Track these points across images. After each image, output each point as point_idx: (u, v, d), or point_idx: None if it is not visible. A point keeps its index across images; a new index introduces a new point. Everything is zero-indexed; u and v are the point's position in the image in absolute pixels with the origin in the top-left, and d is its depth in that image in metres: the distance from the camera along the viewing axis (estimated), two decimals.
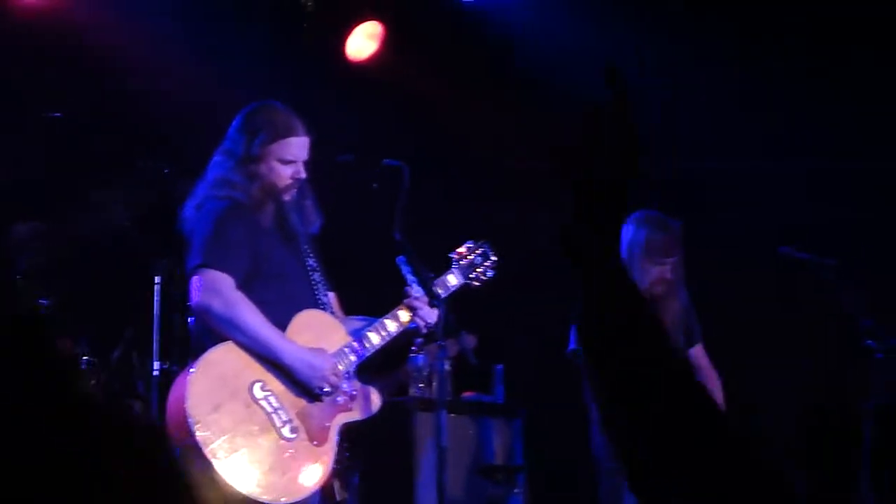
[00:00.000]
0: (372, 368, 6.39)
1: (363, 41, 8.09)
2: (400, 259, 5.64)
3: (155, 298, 6.90)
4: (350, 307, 5.69)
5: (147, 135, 7.41)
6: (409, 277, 5.63)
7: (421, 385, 7.40)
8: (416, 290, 5.60)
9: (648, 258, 6.37)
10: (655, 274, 6.39)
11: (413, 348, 7.41)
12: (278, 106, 5.50)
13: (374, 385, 5.70)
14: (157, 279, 6.91)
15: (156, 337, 6.85)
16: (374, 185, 5.84)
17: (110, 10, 7.48)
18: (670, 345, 1.92)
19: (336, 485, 6.57)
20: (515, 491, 7.36)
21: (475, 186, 8.57)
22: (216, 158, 5.46)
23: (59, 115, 6.94)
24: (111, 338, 7.19)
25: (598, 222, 1.93)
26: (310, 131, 5.47)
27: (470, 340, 6.23)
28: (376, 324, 5.52)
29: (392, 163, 5.81)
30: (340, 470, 6.09)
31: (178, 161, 6.59)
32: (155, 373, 6.81)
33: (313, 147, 5.50)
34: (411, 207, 5.68)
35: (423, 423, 7.01)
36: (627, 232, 6.46)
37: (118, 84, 7.50)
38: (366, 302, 5.68)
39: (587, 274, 1.91)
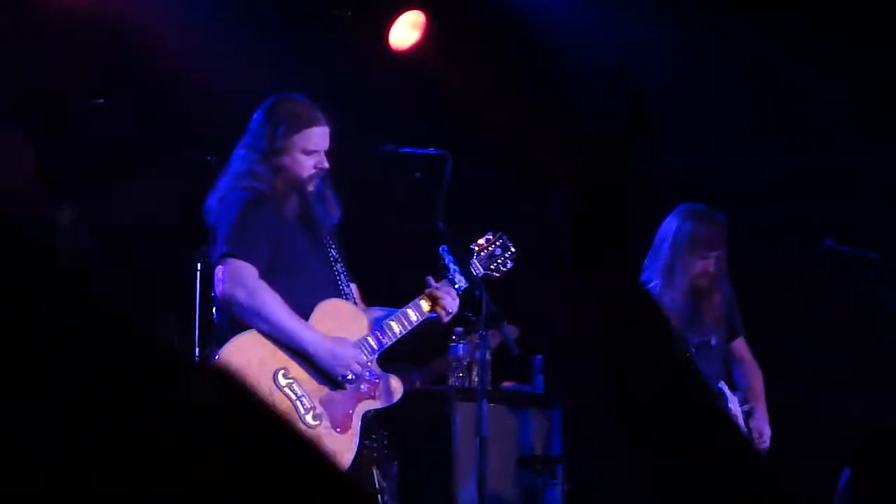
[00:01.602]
0: (412, 358, 6.41)
1: (406, 30, 8.09)
2: (443, 248, 5.66)
3: (196, 285, 6.92)
4: (391, 295, 5.71)
5: (192, 123, 7.44)
6: (452, 267, 5.66)
7: (460, 375, 7.40)
8: (459, 280, 5.64)
9: (692, 251, 6.36)
10: (699, 267, 6.37)
11: (453, 337, 7.44)
12: (298, 97, 5.55)
13: (412, 374, 5.72)
14: (198, 266, 6.93)
15: (197, 324, 6.87)
16: (417, 174, 5.86)
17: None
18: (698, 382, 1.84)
19: (375, 473, 6.59)
20: (554, 482, 7.35)
21: (514, 178, 8.56)
22: (239, 152, 5.52)
23: (103, 101, 6.97)
24: (152, 324, 7.21)
25: (603, 244, 1.84)
26: (330, 121, 5.50)
27: (512, 331, 6.23)
28: (398, 313, 5.56)
29: (436, 152, 5.83)
30: (379, 459, 6.11)
31: (222, 150, 6.62)
32: (195, 359, 6.83)
33: (356, 137, 5.52)
34: (452, 197, 5.70)
35: (463, 413, 7.00)
36: (672, 224, 6.45)
37: (165, 72, 7.52)
38: (406, 292, 5.70)
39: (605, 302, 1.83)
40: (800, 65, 8.09)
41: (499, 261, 5.93)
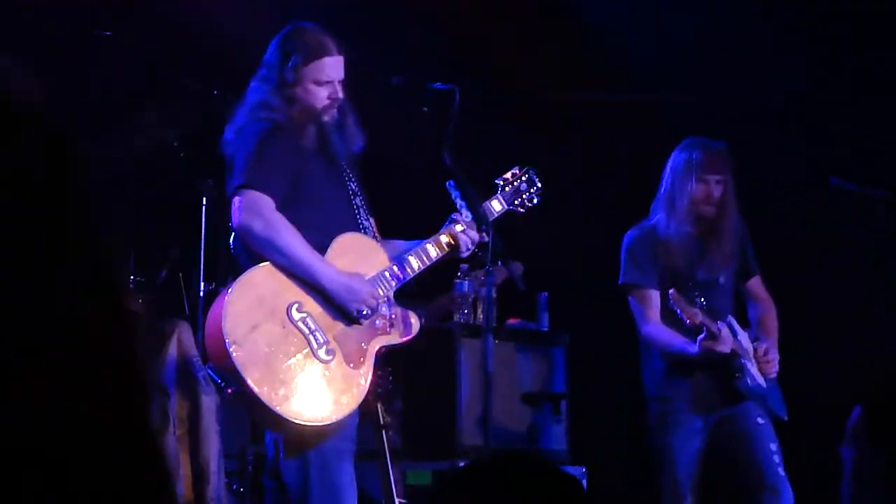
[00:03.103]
0: (417, 294, 6.39)
1: None
2: (449, 183, 5.61)
3: (202, 218, 6.91)
4: (398, 231, 5.68)
5: (197, 56, 7.40)
6: (459, 202, 5.60)
7: (465, 311, 7.40)
8: (465, 215, 5.58)
9: (688, 175, 6.25)
10: (700, 191, 6.26)
11: (458, 274, 7.43)
12: (309, 27, 5.45)
13: (418, 311, 5.69)
14: (204, 199, 6.92)
15: (202, 257, 6.87)
16: (425, 108, 5.81)
17: None
18: None
19: (380, 408, 6.59)
20: (558, 418, 7.37)
21: (525, 114, 8.53)
22: (253, 85, 5.44)
23: (108, 33, 6.93)
24: (158, 257, 7.21)
25: None
26: (343, 50, 5.43)
27: (517, 267, 6.20)
28: (417, 248, 5.50)
29: (443, 86, 5.78)
30: (384, 394, 6.10)
31: (227, 83, 6.58)
32: (201, 293, 6.84)
33: (365, 70, 5.47)
34: (460, 132, 5.65)
35: (468, 350, 7.02)
36: (672, 158, 6.39)
37: (169, 4, 7.48)
38: (415, 226, 5.67)
39: None
40: None
41: (524, 195, 5.85)
